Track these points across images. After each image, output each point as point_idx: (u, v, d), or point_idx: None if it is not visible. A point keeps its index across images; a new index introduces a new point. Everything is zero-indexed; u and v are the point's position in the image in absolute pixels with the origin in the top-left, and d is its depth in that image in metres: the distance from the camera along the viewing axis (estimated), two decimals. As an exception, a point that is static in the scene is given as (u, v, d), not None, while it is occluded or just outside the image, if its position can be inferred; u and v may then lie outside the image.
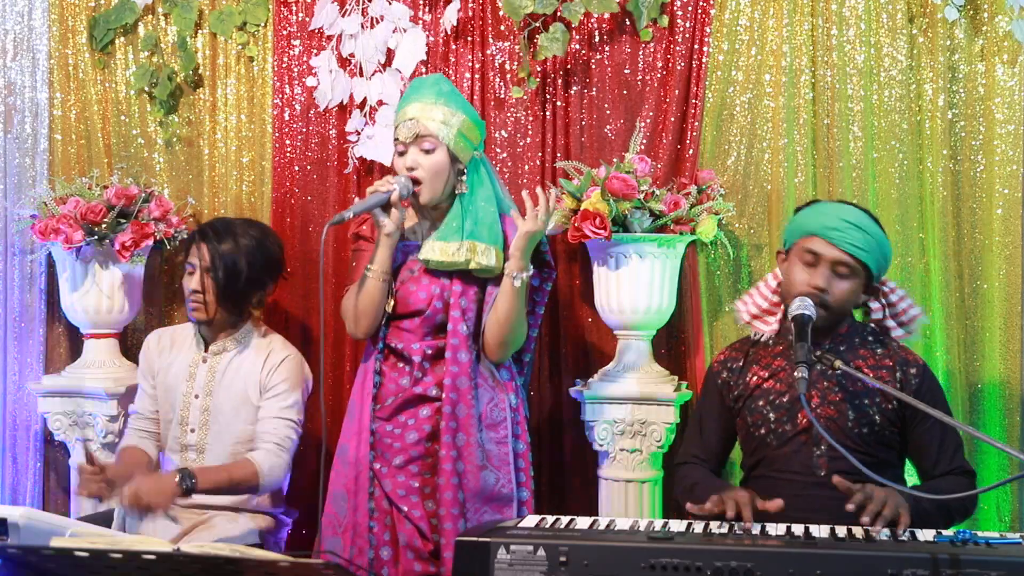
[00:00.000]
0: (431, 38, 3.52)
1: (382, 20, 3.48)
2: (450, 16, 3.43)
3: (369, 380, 2.76)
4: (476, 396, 2.70)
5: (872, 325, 2.65)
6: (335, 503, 2.77)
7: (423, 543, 2.67)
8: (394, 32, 3.48)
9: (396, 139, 2.74)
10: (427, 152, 2.69)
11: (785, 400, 2.54)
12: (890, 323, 2.65)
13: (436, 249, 2.69)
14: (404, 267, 2.77)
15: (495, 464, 2.71)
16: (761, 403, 2.57)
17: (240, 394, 3.05)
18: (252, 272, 3.07)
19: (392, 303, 2.74)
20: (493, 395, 2.74)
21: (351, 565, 2.65)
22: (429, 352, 2.72)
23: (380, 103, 3.50)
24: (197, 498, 2.90)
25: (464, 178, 2.75)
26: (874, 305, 2.65)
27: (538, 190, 2.69)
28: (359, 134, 3.52)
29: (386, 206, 2.65)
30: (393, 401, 2.73)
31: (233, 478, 2.87)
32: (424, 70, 3.51)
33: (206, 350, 3.11)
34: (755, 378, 2.60)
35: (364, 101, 3.52)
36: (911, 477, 2.67)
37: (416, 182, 2.69)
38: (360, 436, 2.75)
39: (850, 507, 2.15)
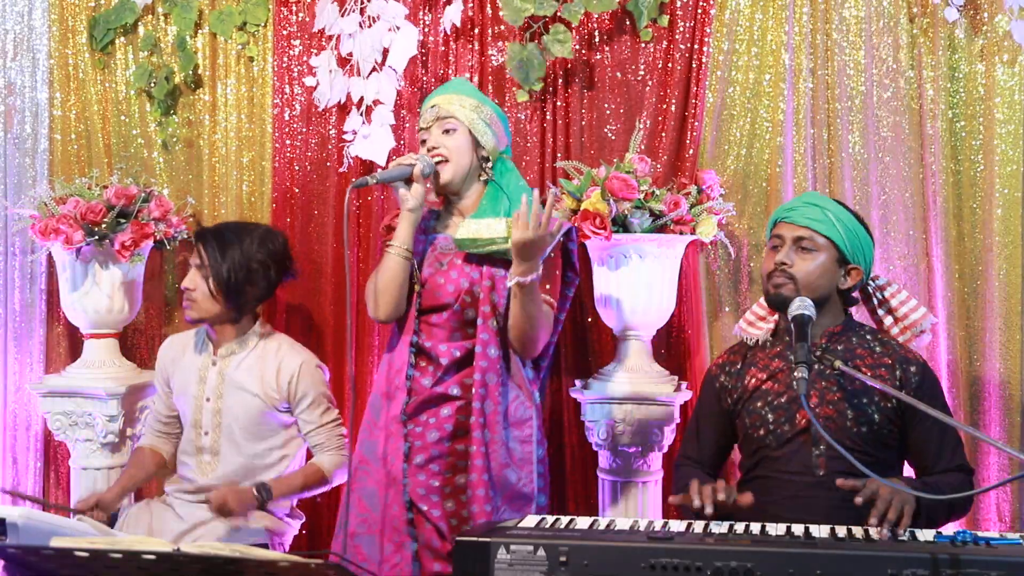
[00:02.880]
0: (431, 39, 3.52)
1: (379, 19, 3.48)
2: (451, 15, 3.42)
3: (401, 375, 2.71)
4: (503, 393, 2.67)
5: (870, 324, 2.66)
6: (368, 501, 2.71)
7: (441, 543, 2.65)
8: (389, 31, 3.47)
9: (419, 128, 2.77)
10: (448, 132, 2.70)
11: (783, 401, 2.54)
12: (895, 330, 2.66)
13: (469, 227, 2.65)
14: (431, 259, 2.73)
15: (517, 462, 2.68)
16: (759, 404, 2.57)
17: (252, 397, 3.06)
18: (248, 272, 3.07)
19: (419, 288, 2.70)
20: (519, 393, 2.71)
21: (352, 565, 2.65)
22: (458, 355, 2.68)
23: (376, 102, 3.50)
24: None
25: (489, 165, 2.75)
26: (880, 312, 2.67)
27: (533, 194, 2.60)
28: (355, 134, 3.52)
29: (408, 181, 2.64)
30: (416, 399, 2.69)
31: (306, 484, 3.05)
32: (423, 70, 3.51)
33: (214, 353, 3.12)
34: (753, 380, 2.60)
35: (361, 100, 3.52)
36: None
37: (439, 161, 2.69)
38: (389, 430, 2.70)
39: (859, 500, 2.16)
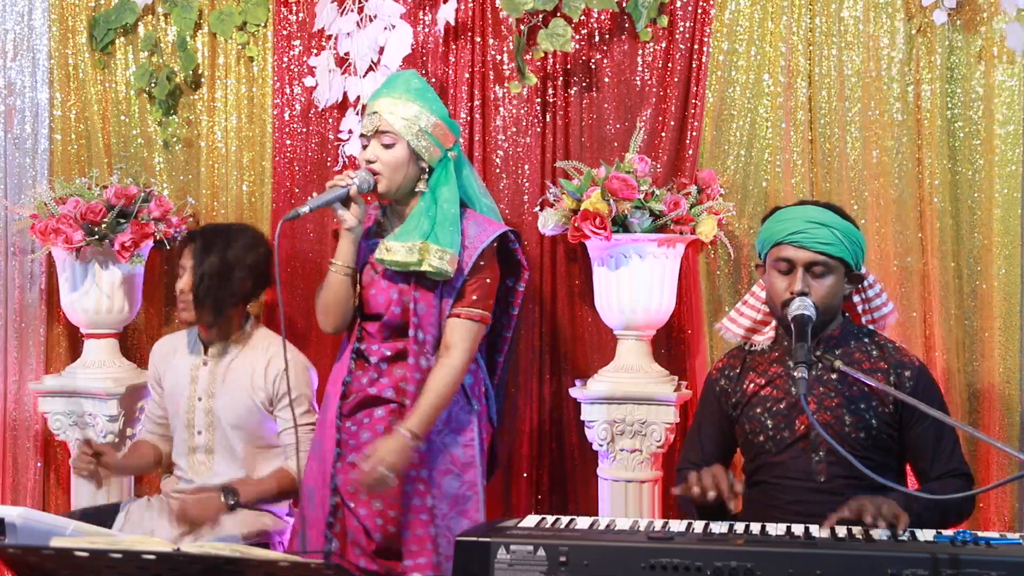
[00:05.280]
0: (430, 37, 3.52)
1: (376, 18, 3.48)
2: (446, 13, 3.42)
3: (340, 378, 2.78)
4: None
5: (867, 327, 2.65)
6: (307, 498, 2.80)
7: (367, 541, 2.69)
8: (384, 30, 3.48)
9: (359, 133, 2.76)
10: (387, 147, 2.68)
11: (782, 407, 2.54)
12: (865, 318, 2.68)
13: (390, 249, 2.68)
14: (368, 267, 2.76)
15: (461, 467, 2.73)
16: (759, 410, 2.56)
17: (243, 397, 3.05)
18: (232, 277, 3.03)
19: (357, 301, 2.76)
20: (458, 398, 2.74)
21: (353, 565, 2.66)
22: (388, 354, 2.73)
23: (371, 101, 3.50)
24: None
25: (426, 176, 2.73)
26: (856, 299, 2.68)
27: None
28: (351, 133, 3.52)
29: (346, 200, 2.65)
30: (354, 399, 2.75)
31: (273, 489, 2.99)
32: (422, 70, 3.51)
33: (205, 353, 3.12)
34: (752, 385, 2.60)
35: (357, 99, 3.52)
36: (911, 481, 2.66)
37: (375, 174, 2.69)
38: (328, 431, 2.77)
39: (847, 515, 2.15)
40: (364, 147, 2.72)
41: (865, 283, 2.67)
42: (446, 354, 2.69)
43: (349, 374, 2.77)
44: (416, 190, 2.74)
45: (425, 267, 2.65)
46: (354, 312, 2.79)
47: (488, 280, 2.75)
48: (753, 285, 2.79)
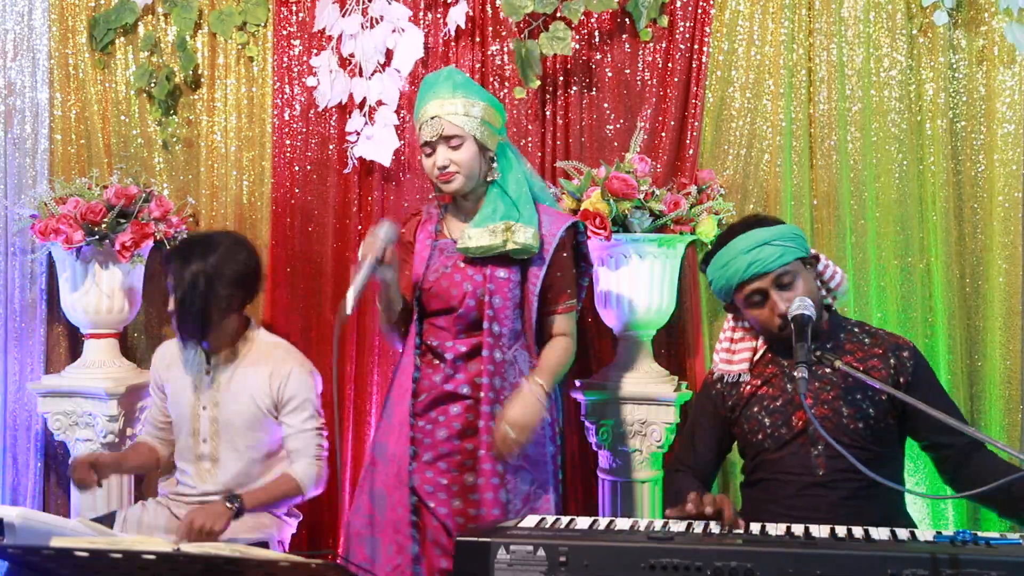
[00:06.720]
0: (432, 39, 3.53)
1: (382, 20, 3.49)
2: (455, 16, 3.43)
3: (408, 376, 2.75)
4: (511, 396, 2.69)
5: (853, 319, 2.66)
6: (375, 502, 2.74)
7: (448, 540, 2.66)
8: (393, 32, 3.48)
9: (422, 142, 2.72)
10: (455, 148, 2.68)
11: (779, 404, 2.54)
12: (821, 292, 2.67)
13: (473, 236, 2.67)
14: (437, 263, 2.74)
15: (530, 464, 2.70)
16: (756, 409, 2.57)
17: (247, 404, 3.05)
18: (212, 291, 2.96)
19: (419, 293, 2.74)
20: None
21: (352, 565, 2.66)
22: (463, 350, 2.71)
23: (379, 103, 3.50)
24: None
25: (495, 164, 2.75)
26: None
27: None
28: (359, 134, 3.52)
29: (379, 261, 2.59)
30: (426, 397, 2.72)
31: (277, 495, 2.98)
32: (424, 70, 3.51)
33: (208, 361, 3.10)
34: (748, 386, 2.60)
35: (364, 101, 3.52)
36: (910, 477, 2.66)
37: (446, 180, 2.69)
38: (400, 431, 2.73)
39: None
40: (428, 155, 2.71)
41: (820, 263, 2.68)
42: (556, 338, 2.77)
43: (417, 371, 2.74)
44: (488, 179, 2.75)
45: (511, 246, 2.65)
46: (410, 310, 2.76)
47: (573, 270, 2.79)
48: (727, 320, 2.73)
